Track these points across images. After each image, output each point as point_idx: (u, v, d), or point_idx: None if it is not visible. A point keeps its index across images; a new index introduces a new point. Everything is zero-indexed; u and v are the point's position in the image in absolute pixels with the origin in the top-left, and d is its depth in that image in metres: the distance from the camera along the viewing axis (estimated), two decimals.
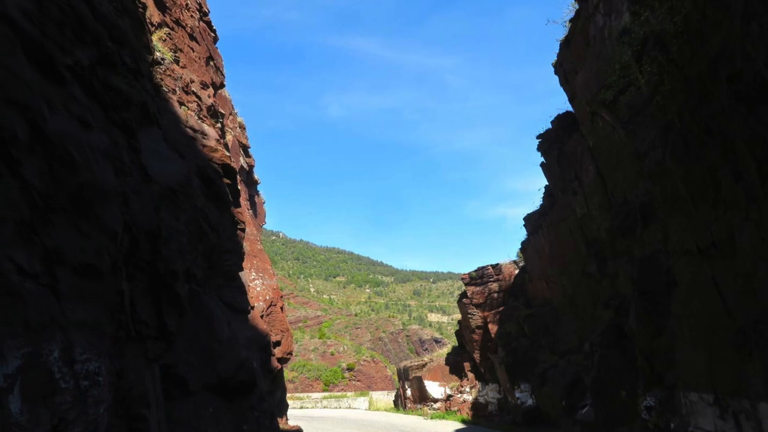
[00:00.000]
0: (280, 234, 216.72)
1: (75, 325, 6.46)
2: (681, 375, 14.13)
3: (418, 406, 46.77)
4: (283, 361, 24.00)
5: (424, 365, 48.66)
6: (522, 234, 37.68)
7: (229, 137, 24.15)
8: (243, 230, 18.93)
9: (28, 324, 5.67)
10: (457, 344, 47.78)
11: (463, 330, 44.07)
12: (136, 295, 8.62)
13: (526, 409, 31.72)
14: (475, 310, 40.95)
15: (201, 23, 20.13)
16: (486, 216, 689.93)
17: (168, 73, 14.82)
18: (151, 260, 9.16)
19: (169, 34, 16.15)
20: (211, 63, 20.75)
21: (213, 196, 14.55)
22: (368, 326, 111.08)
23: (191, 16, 18.40)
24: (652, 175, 14.58)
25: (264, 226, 38.85)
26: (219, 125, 19.05)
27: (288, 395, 31.43)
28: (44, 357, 5.86)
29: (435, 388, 45.50)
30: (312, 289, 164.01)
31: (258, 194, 34.68)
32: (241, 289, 17.59)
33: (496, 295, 40.25)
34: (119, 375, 7.45)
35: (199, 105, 16.49)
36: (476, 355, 41.36)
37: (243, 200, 24.36)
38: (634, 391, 18.35)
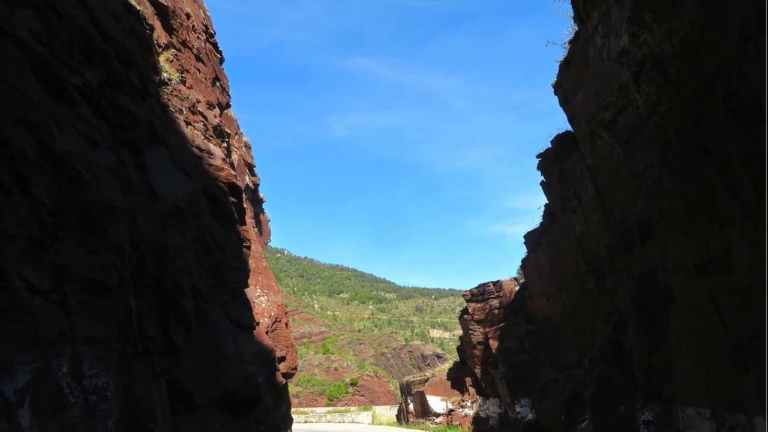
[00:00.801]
0: (285, 251, 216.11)
1: (83, 341, 6.56)
2: (679, 390, 14.17)
3: (421, 420, 46.78)
4: (287, 376, 24.10)
5: (426, 380, 48.65)
6: (522, 251, 37.83)
7: (234, 156, 24.29)
8: (248, 248, 19.06)
9: (37, 340, 5.79)
10: (458, 359, 47.84)
11: (464, 346, 44.10)
12: (144, 311, 8.71)
13: (527, 423, 31.75)
14: (477, 326, 41.05)
15: (207, 44, 20.26)
16: (487, 234, 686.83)
17: (175, 93, 14.96)
18: (158, 277, 9.26)
19: (176, 55, 16.28)
20: (217, 83, 20.87)
21: (219, 214, 14.67)
22: (371, 342, 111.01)
23: (197, 37, 18.55)
24: (650, 193, 14.67)
25: (269, 244, 38.97)
26: (225, 145, 19.18)
27: (292, 410, 31.40)
28: (53, 372, 5.98)
29: (437, 403, 45.53)
30: (316, 306, 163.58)
31: (263, 212, 34.84)
32: (246, 306, 17.67)
33: (496, 311, 40.34)
34: (127, 389, 7.55)
35: (205, 125, 16.61)
36: (477, 371, 41.41)
37: (248, 218, 24.49)
38: (632, 406, 18.34)
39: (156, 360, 8.86)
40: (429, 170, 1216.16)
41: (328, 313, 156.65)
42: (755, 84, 10.07)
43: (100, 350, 6.87)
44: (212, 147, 16.03)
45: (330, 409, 68.61)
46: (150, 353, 8.67)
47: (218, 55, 22.19)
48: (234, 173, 17.22)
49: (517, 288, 40.21)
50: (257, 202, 33.02)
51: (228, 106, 23.19)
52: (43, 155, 6.43)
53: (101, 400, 6.69)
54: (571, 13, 22.64)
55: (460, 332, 47.16)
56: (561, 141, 29.11)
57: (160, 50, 15.27)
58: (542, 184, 31.98)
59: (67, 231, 6.63)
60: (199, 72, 18.12)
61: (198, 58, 18.13)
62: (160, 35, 15.37)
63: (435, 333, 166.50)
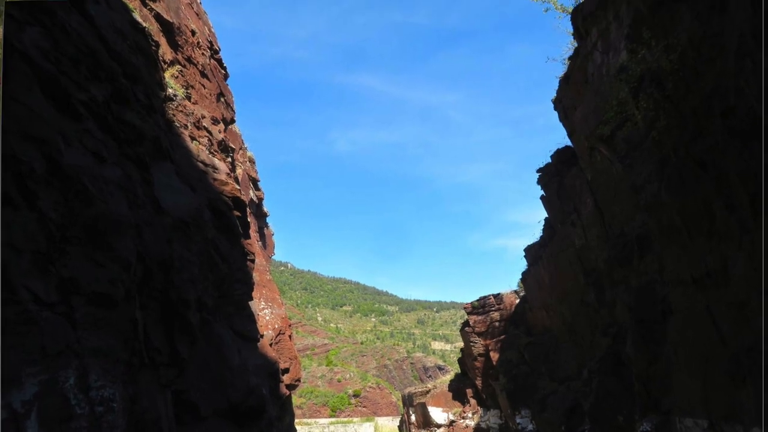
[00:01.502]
0: (289, 264, 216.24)
1: (90, 353, 6.64)
2: (677, 401, 14.22)
3: (423, 431, 46.74)
4: (291, 387, 24.09)
5: (427, 392, 48.63)
6: (522, 264, 37.79)
7: (239, 171, 24.38)
8: (252, 261, 19.11)
9: (44, 351, 5.88)
10: (459, 371, 47.85)
11: (465, 357, 44.12)
12: (149, 323, 8.79)
13: None
14: (477, 338, 41.13)
15: (212, 61, 20.38)
16: (488, 247, 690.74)
17: (180, 108, 15.02)
18: (163, 289, 9.35)
19: (181, 71, 16.34)
20: (222, 99, 20.98)
21: (224, 228, 14.73)
22: (374, 354, 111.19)
23: (203, 53, 18.65)
24: (649, 207, 14.74)
25: (273, 257, 39.01)
26: (229, 159, 19.26)
27: (296, 421, 31.53)
28: (60, 384, 6.06)
29: (438, 414, 45.50)
30: (319, 318, 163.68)
31: (267, 226, 34.90)
32: (250, 318, 17.71)
33: (497, 323, 40.40)
34: (133, 400, 7.63)
35: (210, 140, 16.67)
36: (478, 382, 41.45)
37: (252, 232, 24.59)
38: (631, 417, 18.40)
39: (162, 371, 8.94)
40: (430, 184, 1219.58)
41: (331, 325, 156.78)
42: (752, 100, 10.17)
43: (107, 362, 6.94)
44: (217, 162, 16.11)
45: (333, 420, 68.71)
46: (156, 365, 8.75)
47: (223, 71, 22.31)
48: (238, 187, 17.29)
49: (517, 300, 40.29)
50: (261, 216, 33.10)
51: (232, 121, 23.28)
52: (51, 170, 6.52)
53: (107, 411, 6.77)
54: (570, 29, 22.70)
55: (461, 344, 47.21)
56: (561, 156, 29.20)
57: (166, 66, 15.37)
58: (542, 198, 32.05)
59: (73, 244, 6.72)
60: (204, 88, 18.20)
61: (203, 74, 18.22)
62: (165, 51, 15.46)
63: (436, 345, 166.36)
